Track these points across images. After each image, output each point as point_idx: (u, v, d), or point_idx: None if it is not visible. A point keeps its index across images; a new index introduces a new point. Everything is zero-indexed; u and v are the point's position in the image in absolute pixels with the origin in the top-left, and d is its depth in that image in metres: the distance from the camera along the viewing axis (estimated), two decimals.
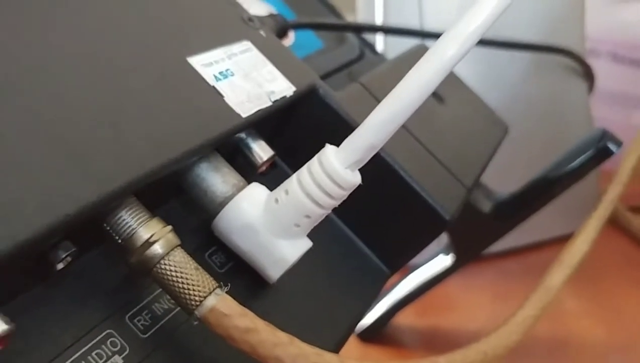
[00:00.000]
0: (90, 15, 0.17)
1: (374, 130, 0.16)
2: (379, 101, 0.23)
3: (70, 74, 0.15)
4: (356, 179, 0.16)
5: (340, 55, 0.32)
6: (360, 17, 0.44)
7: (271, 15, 0.26)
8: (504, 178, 0.34)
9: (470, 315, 0.39)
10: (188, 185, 0.17)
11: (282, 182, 0.22)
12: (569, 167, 0.29)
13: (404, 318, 0.37)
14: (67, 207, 0.12)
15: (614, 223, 0.47)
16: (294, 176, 0.17)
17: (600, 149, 0.28)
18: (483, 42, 0.35)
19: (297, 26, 0.27)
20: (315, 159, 0.17)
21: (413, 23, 0.41)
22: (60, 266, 0.13)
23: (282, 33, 0.26)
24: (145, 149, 0.14)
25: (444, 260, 0.33)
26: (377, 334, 0.36)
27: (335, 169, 0.16)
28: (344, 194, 0.16)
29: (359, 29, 0.32)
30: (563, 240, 0.45)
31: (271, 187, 0.20)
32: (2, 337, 0.12)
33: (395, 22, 0.41)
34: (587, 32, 0.51)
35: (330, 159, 0.16)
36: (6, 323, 0.12)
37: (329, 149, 0.16)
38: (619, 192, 0.29)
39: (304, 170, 0.17)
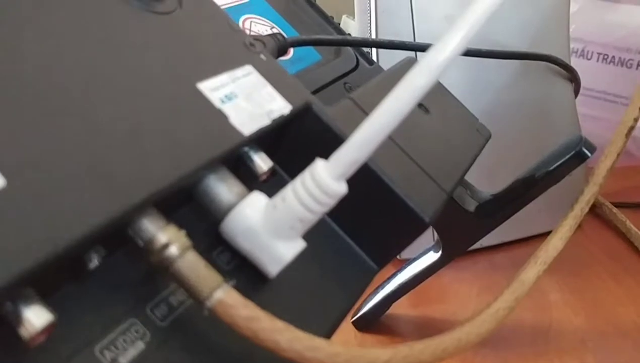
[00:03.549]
0: (112, 48, 0.19)
1: (356, 148, 0.19)
2: (367, 115, 0.25)
3: (97, 101, 0.17)
4: (342, 188, 0.19)
5: (337, 66, 0.35)
6: (356, 22, 0.47)
7: (272, 35, 0.28)
8: (494, 179, 0.37)
9: (460, 306, 0.41)
10: (198, 194, 0.20)
11: (280, 188, 0.25)
12: (547, 170, 0.32)
13: (398, 309, 0.40)
14: (99, 219, 0.15)
15: (599, 217, 0.49)
16: (289, 186, 0.19)
17: (577, 154, 0.31)
18: (470, 52, 0.37)
19: (296, 44, 0.30)
20: (307, 171, 0.19)
21: (406, 29, 0.43)
22: (92, 266, 0.16)
23: (282, 51, 0.29)
24: (163, 166, 0.17)
25: (434, 256, 0.36)
26: (373, 324, 0.39)
27: (323, 181, 0.19)
28: (331, 202, 0.19)
29: (355, 44, 0.34)
30: (547, 235, 0.48)
31: (271, 192, 0.23)
32: (48, 326, 0.14)
33: (389, 26, 0.44)
34: (579, 33, 0.54)
35: (319, 172, 0.19)
36: (51, 313, 0.14)
37: (318, 162, 0.19)
38: (595, 192, 0.32)
39: (297, 181, 0.19)
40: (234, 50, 0.23)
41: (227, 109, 0.20)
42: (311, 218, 0.19)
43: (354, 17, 0.74)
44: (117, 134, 0.17)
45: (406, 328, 0.40)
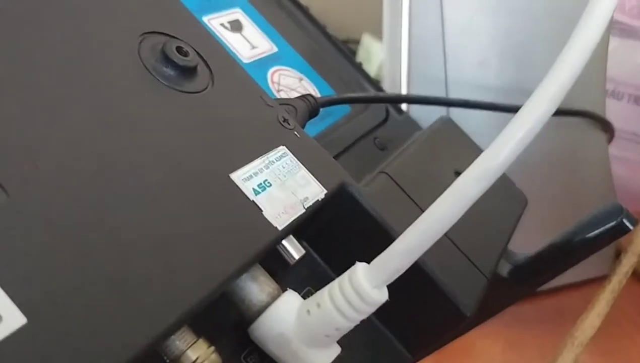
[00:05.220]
0: (137, 135, 0.18)
1: (400, 257, 0.17)
2: (406, 193, 0.24)
3: (121, 201, 0.16)
4: (383, 296, 0.18)
5: (367, 120, 0.34)
6: (386, 63, 0.45)
7: (303, 98, 0.27)
8: (522, 233, 0.35)
9: (484, 362, 0.40)
10: (227, 293, 0.19)
11: (311, 268, 0.23)
12: (584, 238, 0.30)
13: None
14: (128, 352, 0.14)
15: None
16: (325, 290, 0.18)
17: (617, 226, 0.29)
18: (501, 109, 0.36)
19: (327, 104, 0.29)
20: (345, 277, 0.18)
21: (438, 73, 0.42)
22: None
23: (314, 113, 0.28)
24: (196, 278, 0.16)
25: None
26: None
27: (364, 289, 0.17)
28: (371, 310, 0.18)
29: (386, 100, 0.33)
30: (576, 286, 0.46)
31: (300, 271, 0.22)
32: None
33: (421, 70, 0.42)
34: (610, 74, 0.52)
35: (359, 279, 0.18)
36: None
37: (359, 268, 0.18)
38: (633, 263, 0.30)
39: (335, 285, 0.18)
40: (268, 129, 0.22)
41: (261, 201, 0.19)
42: (348, 327, 0.18)
43: (374, 35, 0.72)
44: (144, 243, 0.16)
45: None
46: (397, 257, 0.17)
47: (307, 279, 0.22)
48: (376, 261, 0.18)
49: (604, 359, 0.39)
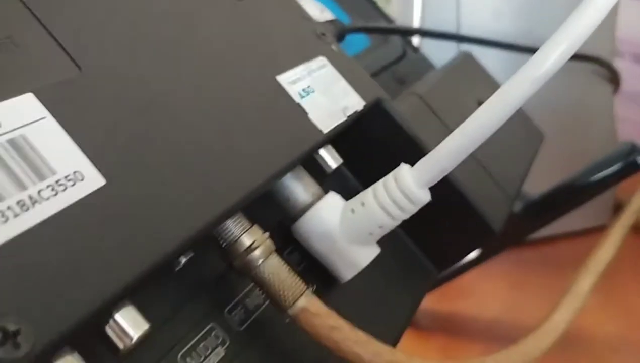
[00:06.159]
0: (191, 46, 0.18)
1: (447, 157, 0.18)
2: (436, 115, 0.24)
3: (186, 97, 0.16)
4: (427, 197, 0.18)
5: (386, 54, 0.34)
6: (396, 10, 0.45)
7: (331, 22, 0.27)
8: (530, 177, 0.36)
9: (486, 302, 0.41)
10: (273, 191, 0.19)
11: (343, 185, 0.24)
12: (596, 177, 0.31)
13: (423, 303, 0.39)
14: (196, 224, 0.14)
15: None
16: (370, 190, 0.19)
17: (629, 163, 0.30)
18: (514, 48, 0.36)
19: (353, 31, 0.29)
20: (391, 176, 0.18)
21: (450, 21, 0.42)
22: (177, 269, 0.15)
23: (340, 38, 0.28)
24: (250, 169, 0.16)
25: (471, 254, 0.35)
26: None
27: (409, 187, 0.18)
28: (415, 210, 0.18)
29: (407, 33, 0.34)
30: (577, 235, 0.48)
31: (330, 184, 0.22)
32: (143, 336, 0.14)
33: (433, 18, 0.43)
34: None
35: (405, 178, 0.18)
36: (147, 322, 0.14)
37: (404, 168, 0.18)
38: None
39: (379, 185, 0.19)
40: (307, 40, 0.22)
41: (306, 104, 0.19)
42: (391, 225, 0.19)
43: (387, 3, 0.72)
44: (207, 132, 0.16)
45: (431, 323, 0.40)
46: (444, 158, 0.18)
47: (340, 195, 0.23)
48: (422, 161, 0.18)
49: (605, 299, 0.40)
